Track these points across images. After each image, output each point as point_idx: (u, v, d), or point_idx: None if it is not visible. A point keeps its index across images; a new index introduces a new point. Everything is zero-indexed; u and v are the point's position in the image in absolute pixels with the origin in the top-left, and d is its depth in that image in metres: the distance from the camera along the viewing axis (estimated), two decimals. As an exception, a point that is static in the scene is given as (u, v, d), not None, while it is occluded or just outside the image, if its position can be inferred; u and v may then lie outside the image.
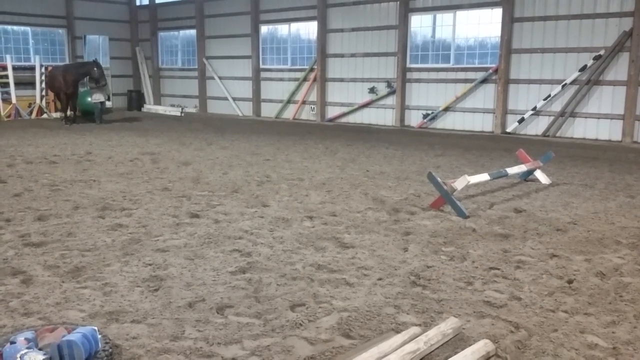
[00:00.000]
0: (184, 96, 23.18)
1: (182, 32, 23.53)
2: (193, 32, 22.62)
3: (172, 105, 22.81)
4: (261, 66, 20.61)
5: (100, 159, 10.27)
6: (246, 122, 18.89)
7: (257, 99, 20.75)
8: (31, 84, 19.21)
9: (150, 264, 4.62)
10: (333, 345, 3.29)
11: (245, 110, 21.17)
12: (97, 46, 23.08)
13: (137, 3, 24.75)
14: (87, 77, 17.39)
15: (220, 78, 21.82)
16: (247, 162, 10.02)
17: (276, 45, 20.35)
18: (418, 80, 16.73)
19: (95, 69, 16.63)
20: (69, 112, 17.13)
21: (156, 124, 17.65)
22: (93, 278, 4.31)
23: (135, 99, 23.42)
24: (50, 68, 18.85)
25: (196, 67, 22.60)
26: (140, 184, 8.00)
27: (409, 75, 16.85)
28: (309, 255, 4.91)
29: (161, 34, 24.22)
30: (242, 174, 8.83)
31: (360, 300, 3.94)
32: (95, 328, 3.13)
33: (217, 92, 22.07)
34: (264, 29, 20.55)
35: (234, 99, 21.47)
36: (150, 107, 23.39)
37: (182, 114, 21.01)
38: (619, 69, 13.32)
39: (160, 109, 22.63)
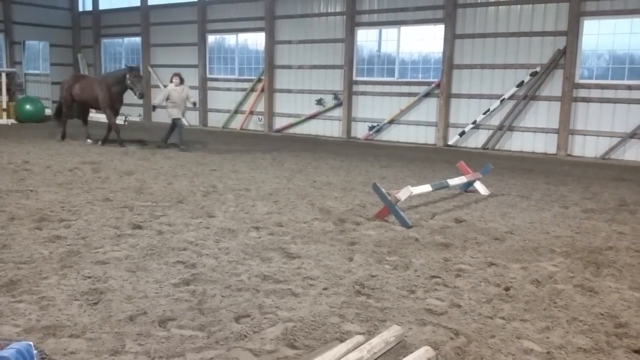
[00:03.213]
0: (128, 104, 22.62)
1: (126, 40, 23.06)
2: (138, 39, 22.21)
3: (115, 114, 22.25)
4: (208, 76, 20.44)
5: (39, 168, 9.90)
6: (192, 131, 18.63)
7: (203, 109, 20.53)
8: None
9: (89, 277, 4.49)
10: (277, 356, 3.29)
11: (191, 119, 20.90)
12: (37, 52, 22.31)
13: (80, 9, 24.10)
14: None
15: (165, 87, 21.42)
16: (193, 172, 9.90)
17: (223, 55, 20.25)
18: (364, 93, 17.00)
19: (127, 75, 13.22)
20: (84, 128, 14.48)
21: (98, 132, 17.12)
22: (29, 292, 4.15)
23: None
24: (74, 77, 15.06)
25: (141, 75, 22.13)
26: (80, 194, 7.76)
27: (355, 87, 17.10)
28: (255, 266, 4.90)
29: (105, 40, 23.65)
30: (188, 184, 8.71)
31: (306, 310, 3.95)
32: (31, 343, 3.01)
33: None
34: (211, 38, 20.41)
35: (180, 109, 21.14)
36: (92, 115, 22.67)
37: (126, 123, 20.53)
38: (554, 85, 13.98)
39: (102, 117, 22.00)
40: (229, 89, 19.92)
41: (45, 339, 3.40)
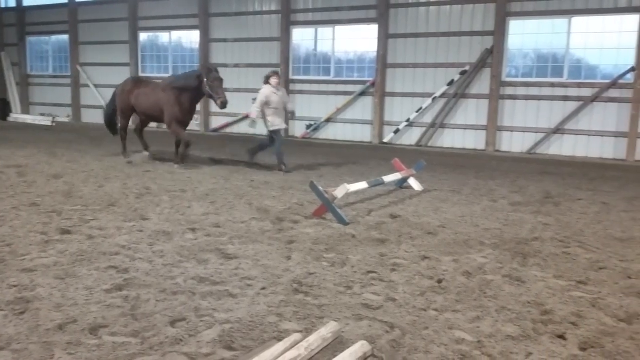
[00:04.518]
0: (56, 105, 21.79)
1: (53, 38, 22.15)
2: (66, 37, 21.37)
3: (42, 115, 21.34)
4: (140, 74, 19.90)
5: (-43, 173, 9.35)
6: (125, 132, 18.10)
7: (136, 109, 19.98)
8: None
9: (15, 286, 4.28)
10: (214, 359, 3.26)
11: (124, 120, 20.30)
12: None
13: (2, 5, 22.91)
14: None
15: (95, 86, 20.78)
16: (126, 174, 9.62)
17: (157, 53, 19.79)
18: (301, 92, 17.05)
19: (205, 80, 10.18)
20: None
21: (24, 134, 16.38)
22: (-53, 304, 3.92)
23: (0, 108, 21.61)
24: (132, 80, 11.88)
25: (69, 74, 21.35)
26: (4, 199, 7.38)
27: (292, 86, 17.12)
28: (191, 268, 4.82)
29: (30, 38, 22.64)
30: (120, 187, 8.46)
31: (243, 311, 3.93)
32: (-51, 359, 2.86)
33: (92, 100, 20.98)
34: (144, 36, 19.90)
35: (112, 109, 20.52)
36: (17, 116, 21.70)
37: (54, 124, 19.73)
38: (482, 84, 14.51)
39: (28, 119, 21.06)
40: (163, 88, 19.47)
41: (-34, 354, 3.23)
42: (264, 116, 10.21)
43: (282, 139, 10.63)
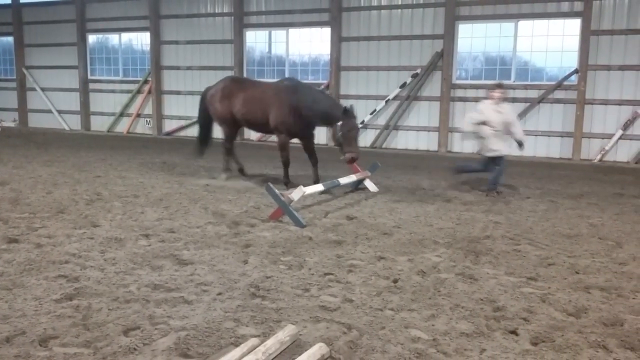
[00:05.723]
0: (1, 109, 20.99)
1: (-4, 39, 21.35)
2: (10, 39, 20.61)
3: (-14, 120, 20.54)
4: (89, 77, 19.41)
5: None
6: (74, 136, 17.60)
7: (85, 112, 19.47)
8: None
9: (-43, 299, 4.11)
10: (170, 366, 3.21)
11: (72, 124, 19.75)
12: None
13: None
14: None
15: (42, 89, 20.12)
16: (75, 180, 9.34)
17: (106, 56, 19.32)
18: (255, 94, 16.94)
19: (338, 123, 8.04)
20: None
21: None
22: None
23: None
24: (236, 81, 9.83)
25: (14, 77, 20.61)
26: (-56, 208, 7.06)
27: (246, 89, 16.99)
28: (145, 275, 4.73)
29: (-30, 40, 21.71)
30: (69, 193, 8.21)
31: (199, 317, 3.88)
32: None
33: (39, 104, 20.31)
34: (92, 38, 19.40)
35: (60, 112, 19.93)
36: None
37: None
38: (434, 86, 14.78)
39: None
40: (113, 91, 19.02)
41: None
42: (480, 136, 8.47)
43: (503, 166, 8.75)
